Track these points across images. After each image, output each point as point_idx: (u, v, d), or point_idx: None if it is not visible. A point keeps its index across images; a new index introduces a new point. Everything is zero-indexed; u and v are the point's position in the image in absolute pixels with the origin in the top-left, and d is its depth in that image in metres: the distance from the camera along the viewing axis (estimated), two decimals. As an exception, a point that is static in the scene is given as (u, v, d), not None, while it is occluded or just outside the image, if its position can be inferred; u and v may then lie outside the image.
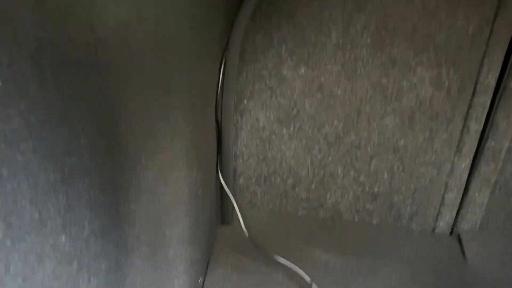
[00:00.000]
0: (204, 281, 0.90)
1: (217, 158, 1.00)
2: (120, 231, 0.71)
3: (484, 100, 0.96)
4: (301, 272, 0.90)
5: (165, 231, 0.77)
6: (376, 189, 1.08)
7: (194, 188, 0.79)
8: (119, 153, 0.66)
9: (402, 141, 1.02)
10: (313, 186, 1.10)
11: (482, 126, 0.99)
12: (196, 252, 0.85)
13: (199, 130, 0.79)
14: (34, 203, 0.43)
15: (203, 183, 0.84)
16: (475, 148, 1.02)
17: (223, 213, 1.08)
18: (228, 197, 1.02)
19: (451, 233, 1.12)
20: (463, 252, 1.06)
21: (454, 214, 1.10)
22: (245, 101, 1.00)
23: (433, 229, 1.12)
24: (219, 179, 1.01)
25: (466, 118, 0.98)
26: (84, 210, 0.57)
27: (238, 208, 1.00)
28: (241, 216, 0.99)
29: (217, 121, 0.96)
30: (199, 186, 0.81)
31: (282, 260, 0.92)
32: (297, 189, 1.10)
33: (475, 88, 0.95)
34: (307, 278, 0.89)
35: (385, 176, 1.06)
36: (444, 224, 1.11)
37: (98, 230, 0.63)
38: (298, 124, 1.02)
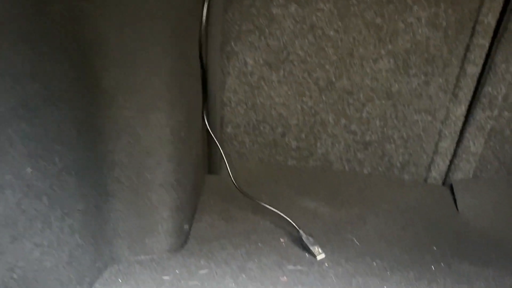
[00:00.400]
0: (190, 228, 0.87)
1: (202, 106, 0.95)
2: (98, 172, 0.68)
3: (483, 41, 0.91)
4: (289, 220, 0.88)
5: (146, 175, 0.74)
6: (367, 138, 1.05)
7: (177, 130, 0.75)
8: (93, 87, 0.62)
9: (396, 86, 0.98)
10: (303, 134, 1.06)
11: (480, 70, 0.95)
12: (181, 198, 0.82)
13: (180, 68, 0.74)
14: None
15: (187, 126, 0.80)
16: (471, 94, 0.98)
17: (211, 163, 1.05)
18: (216, 146, 0.98)
19: (443, 183, 1.10)
20: (455, 202, 1.04)
21: (447, 163, 1.07)
22: (232, 43, 0.94)
23: (425, 179, 1.10)
24: (206, 127, 0.97)
25: (463, 61, 0.94)
26: (53, 144, 0.53)
27: (226, 158, 0.97)
28: (229, 165, 0.96)
29: (202, 65, 0.91)
30: (182, 128, 0.77)
31: (270, 209, 0.90)
32: (286, 138, 1.07)
33: (474, 28, 0.90)
34: (295, 226, 0.87)
35: (377, 123, 1.03)
36: (436, 173, 1.09)
37: (72, 168, 0.59)
38: (288, 68, 0.97)
